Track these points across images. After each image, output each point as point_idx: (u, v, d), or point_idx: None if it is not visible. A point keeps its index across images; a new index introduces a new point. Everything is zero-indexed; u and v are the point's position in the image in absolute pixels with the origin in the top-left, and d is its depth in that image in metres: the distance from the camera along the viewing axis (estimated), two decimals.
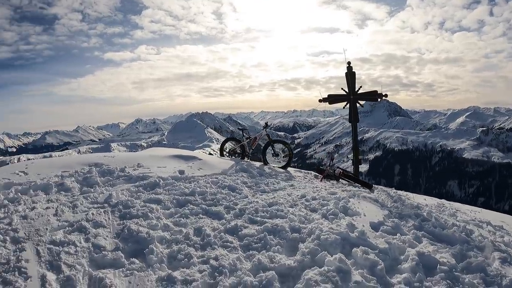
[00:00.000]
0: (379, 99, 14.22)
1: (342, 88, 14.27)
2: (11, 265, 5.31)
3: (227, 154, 14.85)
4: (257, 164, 12.67)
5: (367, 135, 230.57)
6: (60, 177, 9.45)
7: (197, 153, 14.13)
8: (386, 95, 13.97)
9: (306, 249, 6.06)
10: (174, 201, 8.03)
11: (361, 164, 14.51)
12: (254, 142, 14.20)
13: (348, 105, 14.28)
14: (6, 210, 7.37)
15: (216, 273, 5.39)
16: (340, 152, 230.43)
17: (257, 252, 6.07)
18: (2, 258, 5.55)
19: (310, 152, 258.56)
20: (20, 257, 5.47)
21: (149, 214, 7.16)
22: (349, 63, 13.99)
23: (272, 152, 13.81)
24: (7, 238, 6.11)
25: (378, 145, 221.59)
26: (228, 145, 15.42)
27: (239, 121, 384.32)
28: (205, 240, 6.32)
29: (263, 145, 13.86)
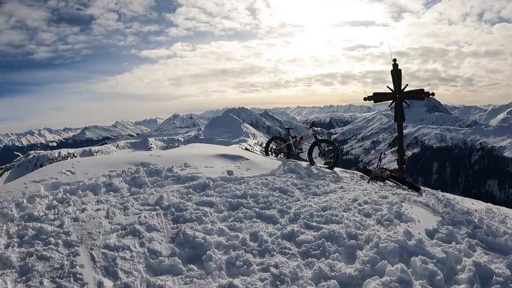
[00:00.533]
0: (425, 98, 13.77)
1: (387, 86, 13.87)
2: (66, 271, 5.23)
3: (273, 153, 14.64)
4: (304, 164, 12.40)
5: (404, 132, 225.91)
6: (107, 177, 9.41)
7: (243, 152, 13.95)
8: (433, 94, 13.52)
9: (366, 258, 5.89)
10: (226, 204, 7.90)
11: (406, 165, 14.08)
12: (300, 142, 13.95)
13: (393, 104, 13.85)
14: (56, 212, 7.34)
15: (277, 282, 5.26)
16: (377, 148, 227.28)
17: (316, 260, 5.91)
18: (55, 262, 5.48)
19: (346, 148, 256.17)
20: (74, 262, 5.39)
21: (203, 217, 7.03)
22: (394, 60, 13.57)
23: (319, 151, 13.56)
24: (59, 241, 6.06)
25: (416, 141, 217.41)
26: (274, 144, 15.22)
27: (275, 116, 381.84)
28: (262, 246, 6.18)
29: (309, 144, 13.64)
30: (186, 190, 8.52)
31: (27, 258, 5.64)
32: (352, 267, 5.71)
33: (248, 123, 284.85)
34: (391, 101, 13.95)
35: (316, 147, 13.32)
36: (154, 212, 7.19)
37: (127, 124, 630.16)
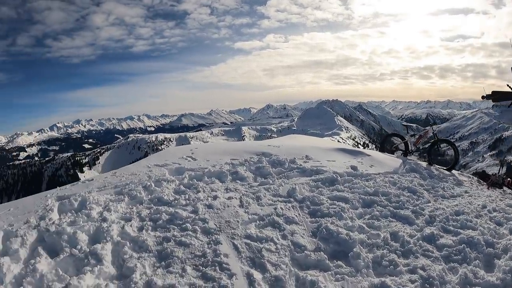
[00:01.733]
0: None
1: (507, 85, 12.84)
2: (209, 259, 5.17)
3: (389, 150, 14.13)
4: (423, 164, 11.84)
5: (506, 133, 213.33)
6: (231, 165, 9.44)
7: (360, 149, 13.57)
8: None
9: (507, 267, 5.55)
10: (360, 200, 7.65)
11: None
12: (418, 140, 13.44)
13: None
14: (187, 197, 7.37)
15: (426, 284, 5.06)
16: (475, 150, 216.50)
17: (458, 265, 5.63)
18: (196, 249, 5.44)
19: (443, 148, 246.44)
20: (217, 251, 5.35)
21: (342, 213, 6.85)
22: None
23: (438, 152, 12.92)
24: (197, 228, 6.05)
25: None
26: (391, 141, 14.66)
27: (369, 110, 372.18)
28: (405, 246, 5.96)
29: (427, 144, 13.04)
30: (315, 183, 8.37)
31: (165, 243, 5.69)
32: (493, 276, 5.40)
33: (341, 116, 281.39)
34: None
35: (436, 147, 12.70)
36: (290, 204, 7.11)
37: (222, 112, 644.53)
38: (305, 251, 5.55)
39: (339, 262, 5.34)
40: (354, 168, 9.64)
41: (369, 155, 11.01)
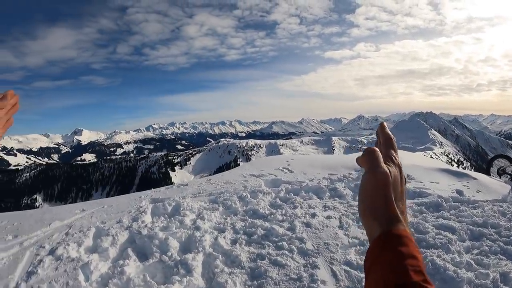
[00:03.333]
0: None
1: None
2: (305, 284, 4.84)
3: (496, 174, 13.10)
4: None
5: None
6: (329, 180, 9.05)
7: (466, 171, 12.60)
8: None
9: None
10: (468, 231, 6.78)
11: None
12: None
13: None
14: (284, 212, 7.06)
15: None
16: None
17: None
18: (291, 272, 5.09)
19: None
20: (314, 276, 4.95)
21: (449, 246, 6.07)
22: None
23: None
24: (293, 247, 5.72)
25: None
26: (497, 163, 13.61)
27: (465, 124, 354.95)
28: None
29: None
30: (418, 207, 7.69)
31: (259, 261, 5.41)
32: None
33: (435, 130, 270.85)
34: None
35: None
36: None
37: (312, 121, 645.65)
38: None
39: None
40: (459, 192, 8.82)
41: (475, 179, 10.13)
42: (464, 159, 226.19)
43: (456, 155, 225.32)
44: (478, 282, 5.12)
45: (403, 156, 13.70)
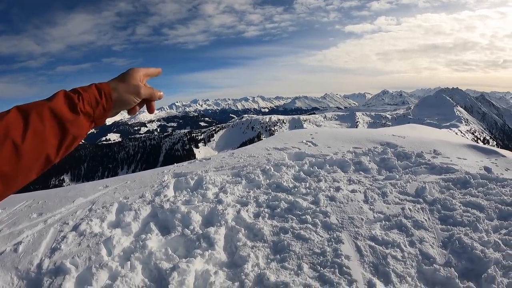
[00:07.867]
0: None
1: None
2: (329, 259, 4.67)
3: None
4: None
5: None
6: (353, 153, 8.94)
7: (494, 148, 12.22)
8: None
9: None
10: (496, 210, 6.36)
11: None
12: None
13: None
14: (308, 186, 6.98)
15: None
16: None
17: None
18: (315, 246, 4.99)
19: None
20: (338, 251, 4.82)
21: (477, 224, 5.75)
22: None
23: None
24: (317, 221, 5.62)
25: None
26: None
27: (492, 102, 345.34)
28: None
29: None
30: (445, 183, 7.36)
31: (282, 234, 5.33)
32: None
33: (461, 107, 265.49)
34: None
35: None
36: (418, 206, 6.25)
37: (336, 96, 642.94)
38: (434, 264, 4.68)
39: (470, 284, 4.37)
40: (487, 169, 8.40)
41: (504, 156, 9.73)
42: (490, 137, 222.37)
43: (482, 133, 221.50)
44: (505, 263, 4.74)
45: (430, 132, 13.46)
